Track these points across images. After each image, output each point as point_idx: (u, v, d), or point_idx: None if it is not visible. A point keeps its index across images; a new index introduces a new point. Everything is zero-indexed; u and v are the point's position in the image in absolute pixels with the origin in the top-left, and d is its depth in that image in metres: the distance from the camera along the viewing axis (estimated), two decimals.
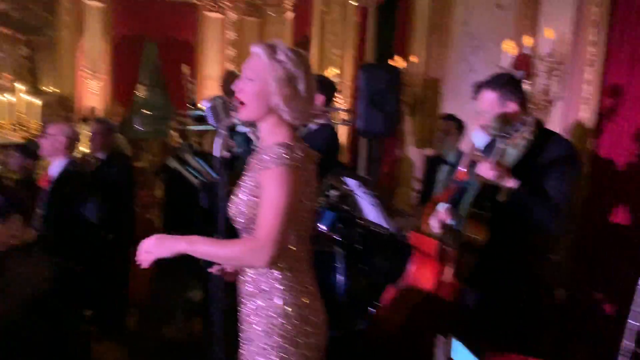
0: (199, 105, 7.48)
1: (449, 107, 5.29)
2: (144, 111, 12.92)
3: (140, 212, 6.78)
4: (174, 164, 2.97)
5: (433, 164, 4.61)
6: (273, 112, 1.71)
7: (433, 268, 2.61)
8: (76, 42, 11.33)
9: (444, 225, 2.49)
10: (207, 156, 4.99)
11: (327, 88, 3.25)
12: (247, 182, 1.71)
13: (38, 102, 6.73)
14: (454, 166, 4.09)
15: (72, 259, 3.13)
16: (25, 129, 6.32)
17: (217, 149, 1.71)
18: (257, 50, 1.71)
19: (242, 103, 1.72)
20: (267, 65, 1.67)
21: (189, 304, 4.74)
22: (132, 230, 4.69)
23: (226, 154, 1.71)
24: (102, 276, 3.96)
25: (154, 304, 4.96)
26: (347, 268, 3.33)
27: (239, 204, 1.71)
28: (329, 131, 3.16)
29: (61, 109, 10.97)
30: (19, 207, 2.23)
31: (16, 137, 6.10)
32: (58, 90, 11.47)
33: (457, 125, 4.38)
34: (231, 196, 1.77)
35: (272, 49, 1.69)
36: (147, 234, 1.75)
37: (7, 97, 6.36)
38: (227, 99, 1.74)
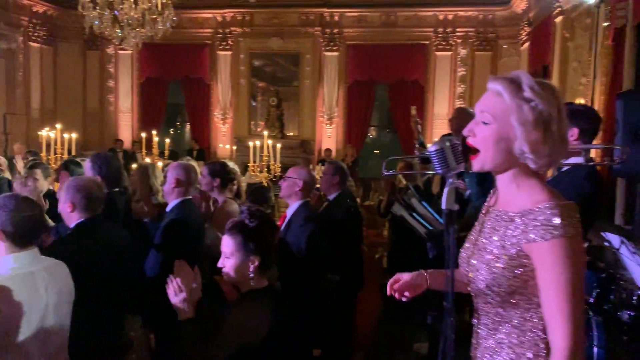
0: (428, 146, 7.33)
1: None
2: (375, 152, 13.35)
3: (369, 251, 6.83)
4: (400, 210, 2.79)
5: None
6: (514, 160, 1.40)
7: None
8: (316, 90, 12.33)
9: None
10: (433, 198, 4.75)
11: (583, 118, 2.60)
12: (500, 245, 1.42)
13: (279, 145, 7.34)
14: None
15: (300, 301, 3.14)
16: (268, 170, 6.93)
17: (445, 201, 1.44)
18: (496, 86, 1.40)
19: (475, 150, 1.43)
20: (510, 105, 1.37)
21: (415, 355, 4.47)
22: (360, 270, 4.66)
23: (455, 207, 1.44)
24: (329, 317, 3.96)
25: (378, 349, 4.82)
26: (606, 338, 2.71)
27: (491, 274, 1.42)
28: (587, 173, 2.52)
29: (302, 151, 11.97)
30: (260, 250, 2.19)
31: (261, 178, 6.73)
32: (299, 134, 12.59)
33: None
34: (469, 257, 1.49)
35: (516, 85, 1.37)
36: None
37: (255, 142, 7.08)
38: (458, 141, 1.46)
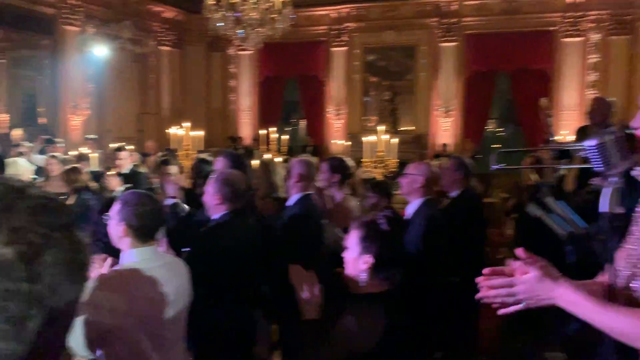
0: (555, 139, 6.80)
1: None
2: (494, 146, 12.72)
3: (490, 251, 6.48)
4: (535, 210, 2.56)
5: None
6: None
7: None
8: (432, 83, 12.00)
9: None
10: (567, 197, 4.36)
11: None
12: None
13: (395, 140, 7.21)
14: None
15: (420, 303, 3.03)
16: (383, 165, 6.84)
17: (606, 203, 1.26)
18: None
19: None
20: None
21: None
22: (482, 272, 4.42)
23: (620, 210, 1.26)
24: (450, 319, 3.80)
25: (504, 355, 4.54)
26: None
27: None
28: None
29: (416, 146, 11.71)
30: (377, 252, 2.10)
31: (376, 174, 6.65)
32: (414, 129, 12.34)
33: None
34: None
35: None
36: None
37: (369, 137, 7.03)
38: (622, 134, 1.27)
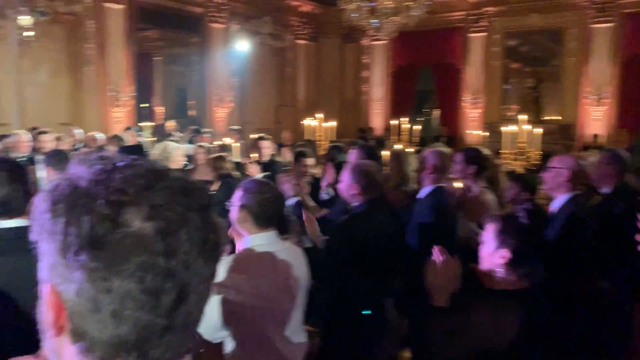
0: None
1: None
2: None
3: None
4: None
5: None
6: None
7: None
8: (581, 68, 11.01)
9: None
10: None
11: None
12: None
13: (539, 131, 6.71)
14: None
15: (562, 307, 2.81)
16: (525, 158, 6.40)
17: None
18: None
19: None
20: None
21: None
22: (638, 278, 3.97)
23: None
24: (598, 327, 3.48)
25: None
26: None
27: None
28: None
29: (562, 137, 10.85)
30: (515, 246, 1.99)
31: (516, 166, 6.25)
32: (559, 118, 11.43)
33: None
34: None
35: None
36: None
37: (510, 127, 6.61)
38: None
